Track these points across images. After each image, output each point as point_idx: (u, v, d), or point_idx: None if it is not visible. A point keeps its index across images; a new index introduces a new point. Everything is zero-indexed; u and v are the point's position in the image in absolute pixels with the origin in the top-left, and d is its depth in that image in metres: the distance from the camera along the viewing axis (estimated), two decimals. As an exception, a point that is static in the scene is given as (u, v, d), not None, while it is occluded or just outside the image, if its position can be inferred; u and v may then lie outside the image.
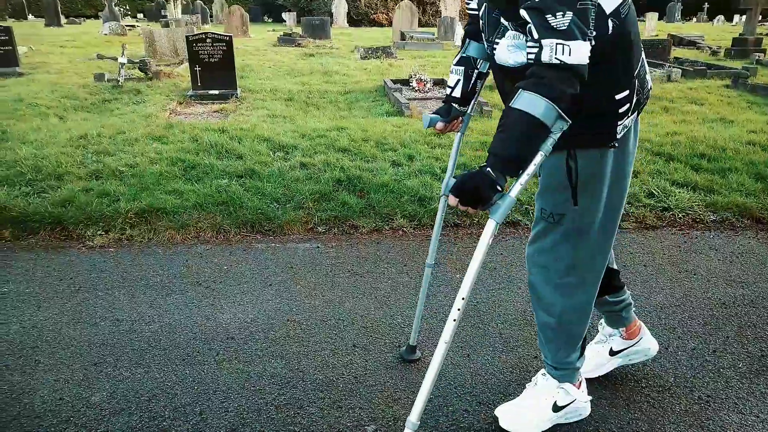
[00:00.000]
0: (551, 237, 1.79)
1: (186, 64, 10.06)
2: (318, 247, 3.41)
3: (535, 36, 1.43)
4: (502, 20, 1.63)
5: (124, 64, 8.08)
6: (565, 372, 1.95)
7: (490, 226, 1.47)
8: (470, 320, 2.61)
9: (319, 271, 3.09)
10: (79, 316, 2.65)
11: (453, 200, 1.45)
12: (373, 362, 2.30)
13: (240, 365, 2.29)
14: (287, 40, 14.03)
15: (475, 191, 1.42)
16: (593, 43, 1.43)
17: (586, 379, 2.08)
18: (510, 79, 1.66)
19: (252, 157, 4.47)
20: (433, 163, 4.44)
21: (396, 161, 4.47)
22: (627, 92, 1.62)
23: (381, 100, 7.48)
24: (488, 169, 1.42)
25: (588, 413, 2.03)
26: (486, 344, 2.45)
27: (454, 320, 1.53)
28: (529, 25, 1.44)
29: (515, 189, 1.49)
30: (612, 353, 2.21)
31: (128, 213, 3.63)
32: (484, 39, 1.76)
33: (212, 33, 7.43)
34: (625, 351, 2.21)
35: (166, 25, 15.88)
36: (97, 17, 31.19)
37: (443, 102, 2.04)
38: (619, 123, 1.64)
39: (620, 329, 2.18)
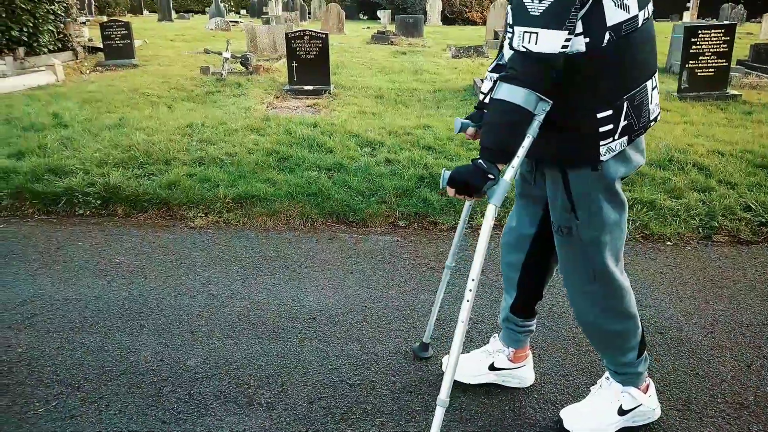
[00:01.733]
0: (566, 249, 1.81)
1: (283, 60, 10.52)
2: (398, 240, 3.53)
3: (510, 21, 1.50)
4: (509, 10, 1.60)
5: (228, 58, 8.58)
6: (626, 376, 1.95)
7: (490, 210, 1.58)
8: (543, 321, 2.64)
9: (397, 264, 3.21)
10: (180, 288, 2.92)
11: (450, 191, 1.59)
12: (444, 353, 2.39)
13: (320, 344, 2.46)
14: (381, 37, 14.30)
15: (467, 182, 1.54)
16: (571, 34, 1.44)
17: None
18: None
19: (341, 151, 4.67)
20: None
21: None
22: (610, 112, 1.58)
23: (470, 99, 7.50)
24: (479, 161, 1.54)
25: (658, 416, 2.02)
26: (557, 345, 2.48)
27: (468, 301, 1.61)
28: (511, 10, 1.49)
29: (508, 173, 1.57)
30: (492, 368, 2.19)
31: (226, 198, 3.91)
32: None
33: (310, 30, 7.74)
34: (504, 371, 2.19)
35: (267, 21, 16.58)
36: (204, 12, 33.05)
37: (475, 108, 2.01)
38: (602, 143, 1.61)
39: (510, 349, 2.17)
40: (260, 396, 2.14)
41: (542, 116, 1.53)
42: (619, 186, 1.72)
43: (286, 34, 7.72)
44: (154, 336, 2.51)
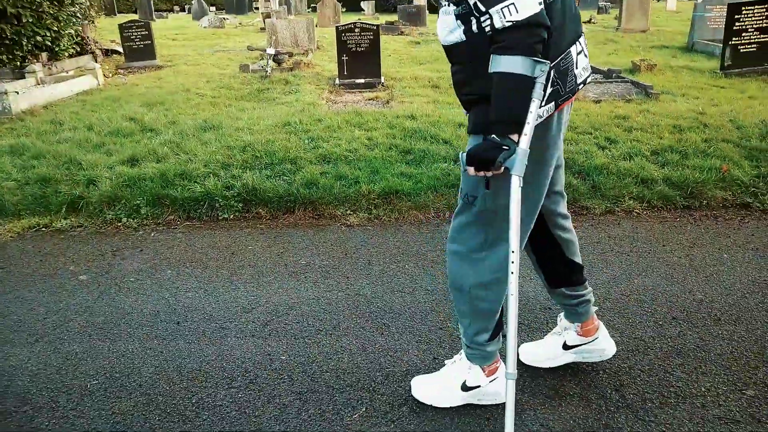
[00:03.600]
0: (466, 216, 1.86)
1: (311, 55, 10.40)
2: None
3: (482, 8, 1.50)
4: None
5: (272, 55, 8.44)
6: (474, 352, 2.00)
7: (514, 181, 1.59)
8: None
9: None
10: (390, 285, 2.89)
11: (471, 170, 1.62)
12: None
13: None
14: (389, 28, 14.23)
15: (482, 156, 1.57)
16: None
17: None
18: (450, 57, 1.73)
19: (455, 141, 4.65)
20: (637, 146, 4.51)
21: (599, 144, 4.56)
22: None
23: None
24: (492, 135, 1.56)
25: (502, 401, 2.00)
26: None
27: (512, 273, 1.66)
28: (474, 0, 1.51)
29: (523, 141, 1.57)
30: (566, 347, 2.21)
31: (371, 194, 3.87)
32: None
33: (361, 23, 7.67)
34: (578, 347, 2.20)
35: (268, 16, 16.32)
36: (172, 11, 32.43)
37: None
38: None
39: (576, 324, 2.18)
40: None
41: (543, 77, 1.54)
42: (551, 157, 1.78)
43: (337, 27, 7.63)
44: (408, 334, 2.49)
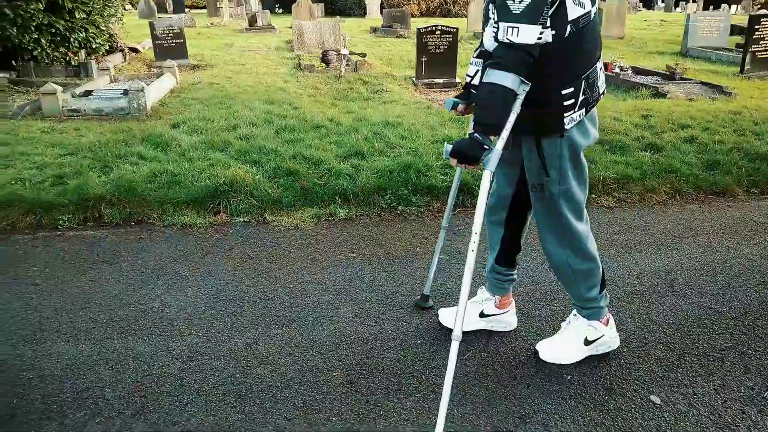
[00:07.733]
0: (540, 203, 2.16)
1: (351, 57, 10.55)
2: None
3: (495, 18, 1.84)
4: (490, 10, 1.93)
5: (346, 55, 8.55)
6: (590, 310, 2.30)
7: (486, 175, 1.87)
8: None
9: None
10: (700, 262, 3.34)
11: (453, 161, 1.90)
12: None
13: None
14: (388, 30, 14.56)
15: (468, 153, 1.85)
16: (544, 28, 1.78)
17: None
18: None
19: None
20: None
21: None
22: (572, 89, 1.93)
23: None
24: (476, 134, 1.84)
25: (617, 346, 2.41)
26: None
27: (472, 251, 1.89)
28: (495, 9, 1.83)
29: (499, 143, 1.87)
30: (482, 315, 2.52)
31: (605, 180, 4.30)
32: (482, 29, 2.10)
33: (441, 26, 7.99)
34: (493, 317, 2.53)
35: (253, 16, 16.12)
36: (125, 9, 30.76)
37: (463, 88, 2.33)
38: (566, 115, 1.95)
39: (496, 297, 2.50)
40: None
41: (523, 96, 1.84)
42: (581, 155, 2.11)
43: (418, 30, 7.91)
44: None
